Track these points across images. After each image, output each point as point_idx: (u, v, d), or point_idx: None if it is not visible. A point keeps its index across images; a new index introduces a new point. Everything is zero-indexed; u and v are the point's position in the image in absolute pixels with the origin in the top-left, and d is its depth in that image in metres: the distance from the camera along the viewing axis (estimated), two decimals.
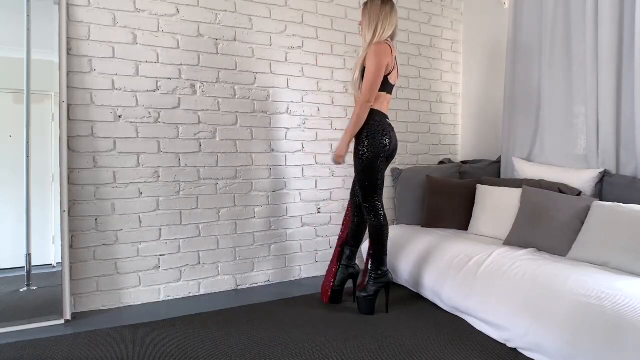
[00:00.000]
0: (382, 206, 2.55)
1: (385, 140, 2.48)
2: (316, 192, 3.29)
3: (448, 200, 3.19)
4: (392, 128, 2.56)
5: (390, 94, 2.59)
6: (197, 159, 2.86)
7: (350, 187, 2.80)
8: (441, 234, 2.95)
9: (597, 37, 2.70)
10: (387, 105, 2.58)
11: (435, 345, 2.12)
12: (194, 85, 2.84)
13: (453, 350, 2.07)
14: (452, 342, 2.16)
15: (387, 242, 2.56)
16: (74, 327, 2.35)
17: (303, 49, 3.20)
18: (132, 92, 2.67)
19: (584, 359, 1.75)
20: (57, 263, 2.50)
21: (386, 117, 2.55)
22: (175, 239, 2.81)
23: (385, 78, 2.49)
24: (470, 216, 3.09)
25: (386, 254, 2.56)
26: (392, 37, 2.57)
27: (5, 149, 2.48)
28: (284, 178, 3.16)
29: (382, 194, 2.55)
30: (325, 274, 2.85)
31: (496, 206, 2.91)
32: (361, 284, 2.71)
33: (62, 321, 2.41)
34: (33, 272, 2.52)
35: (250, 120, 3.02)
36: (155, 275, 2.76)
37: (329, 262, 3.23)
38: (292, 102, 3.17)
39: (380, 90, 2.49)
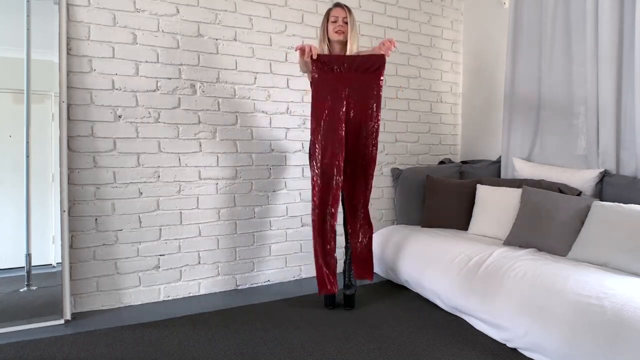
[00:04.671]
0: None
1: None
2: None
3: (448, 200, 3.19)
4: None
5: None
6: (197, 159, 2.86)
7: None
8: (441, 234, 2.95)
9: (597, 36, 2.69)
10: None
11: (435, 345, 2.12)
12: (194, 85, 2.84)
13: (453, 350, 2.07)
14: (452, 342, 2.16)
15: None
16: (74, 327, 2.35)
17: None
18: (132, 92, 2.67)
19: (584, 359, 1.75)
20: (57, 263, 2.50)
21: None
22: (175, 239, 2.81)
23: None
24: (470, 216, 3.08)
25: None
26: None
27: (5, 149, 2.48)
28: (284, 178, 3.16)
29: None
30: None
31: (496, 206, 2.91)
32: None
33: (62, 321, 2.41)
34: (33, 272, 2.52)
35: (250, 120, 3.02)
36: (155, 275, 2.76)
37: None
38: (292, 102, 3.17)
39: None
